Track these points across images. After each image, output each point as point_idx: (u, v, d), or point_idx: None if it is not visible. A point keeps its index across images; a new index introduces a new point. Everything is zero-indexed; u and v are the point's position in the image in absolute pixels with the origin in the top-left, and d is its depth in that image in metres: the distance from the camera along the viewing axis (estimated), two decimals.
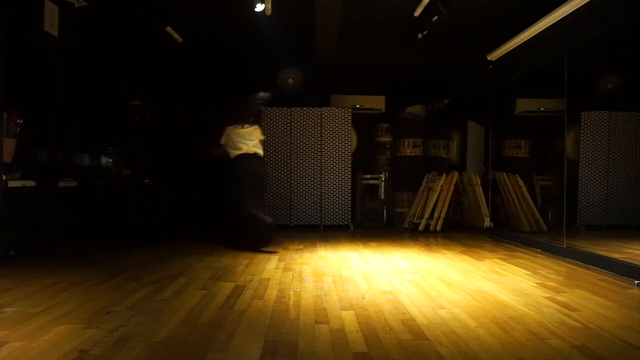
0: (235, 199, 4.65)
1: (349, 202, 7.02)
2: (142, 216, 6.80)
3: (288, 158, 6.99)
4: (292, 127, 6.94)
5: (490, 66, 6.34)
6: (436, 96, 8.03)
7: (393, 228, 7.28)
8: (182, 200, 7.57)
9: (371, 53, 7.16)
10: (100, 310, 2.60)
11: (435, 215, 6.75)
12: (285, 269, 3.89)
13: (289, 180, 6.97)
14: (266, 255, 4.50)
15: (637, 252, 4.74)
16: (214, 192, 7.41)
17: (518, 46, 5.56)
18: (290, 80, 7.54)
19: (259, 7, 5.19)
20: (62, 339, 2.13)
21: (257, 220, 4.69)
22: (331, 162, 7.01)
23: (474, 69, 6.76)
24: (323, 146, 7.01)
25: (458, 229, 6.96)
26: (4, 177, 3.99)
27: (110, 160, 6.89)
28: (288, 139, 6.99)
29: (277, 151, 6.98)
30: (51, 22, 4.76)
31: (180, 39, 6.40)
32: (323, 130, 7.02)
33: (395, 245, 5.37)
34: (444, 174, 6.97)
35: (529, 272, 3.79)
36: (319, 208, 6.95)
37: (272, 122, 6.98)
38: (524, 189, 6.32)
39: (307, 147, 7.01)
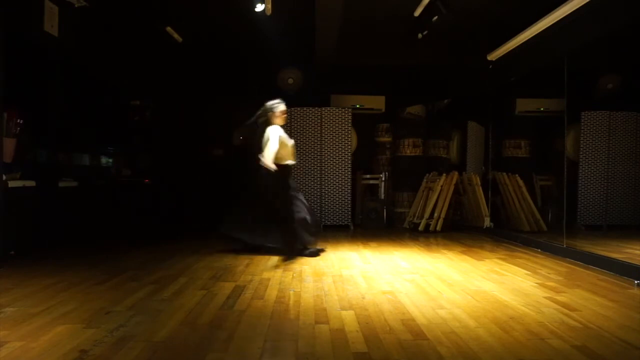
0: (285, 206, 4.57)
1: (349, 202, 7.02)
2: (142, 216, 6.79)
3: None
4: (292, 127, 6.93)
5: (490, 66, 6.34)
6: (436, 96, 8.03)
7: (393, 228, 7.28)
8: (182, 200, 7.57)
9: (371, 53, 7.15)
10: (100, 310, 2.60)
11: (435, 215, 6.75)
12: (285, 269, 3.89)
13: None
14: (266, 255, 4.50)
15: (637, 252, 4.74)
16: (213, 192, 7.42)
17: (518, 46, 5.56)
18: (290, 80, 7.54)
19: (259, 7, 5.19)
20: (62, 339, 2.13)
21: (304, 221, 4.61)
22: (331, 162, 7.01)
23: (474, 69, 6.76)
24: (323, 146, 7.01)
25: (458, 229, 6.96)
26: (4, 177, 3.99)
27: (110, 160, 6.89)
28: None
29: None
30: (51, 22, 4.76)
31: (180, 39, 6.40)
32: (323, 130, 7.02)
33: (395, 245, 5.37)
34: (444, 174, 6.97)
35: (529, 272, 3.79)
36: (319, 208, 6.94)
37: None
38: (524, 189, 6.32)
39: (307, 147, 7.01)
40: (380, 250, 4.98)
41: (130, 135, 7.39)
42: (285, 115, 4.72)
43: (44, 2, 4.64)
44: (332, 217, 7.00)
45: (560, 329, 2.34)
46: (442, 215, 6.74)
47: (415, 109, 7.87)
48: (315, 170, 7.00)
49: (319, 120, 7.02)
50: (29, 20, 4.50)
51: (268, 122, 4.60)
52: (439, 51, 6.89)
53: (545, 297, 2.96)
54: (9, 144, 4.19)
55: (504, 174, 6.54)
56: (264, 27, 5.76)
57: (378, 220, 7.26)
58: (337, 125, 7.04)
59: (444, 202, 6.78)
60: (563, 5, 4.51)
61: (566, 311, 2.65)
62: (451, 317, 2.53)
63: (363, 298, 2.94)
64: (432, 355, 2.00)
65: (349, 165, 7.03)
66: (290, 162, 4.68)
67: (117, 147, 7.04)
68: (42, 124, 4.91)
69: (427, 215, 6.79)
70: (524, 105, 6.93)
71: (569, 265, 4.13)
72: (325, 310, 2.65)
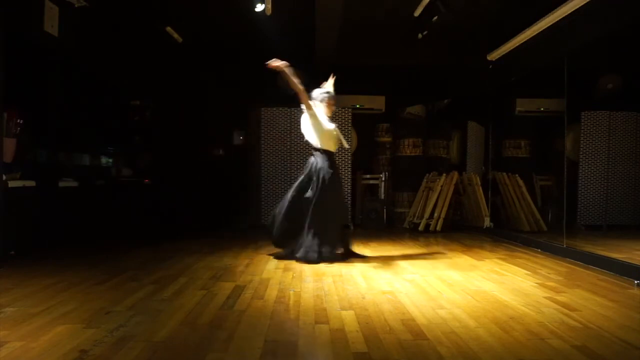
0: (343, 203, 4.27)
1: (349, 202, 7.02)
2: (142, 216, 6.79)
3: (288, 158, 6.99)
4: (292, 127, 6.93)
5: (490, 66, 6.34)
6: (436, 96, 8.03)
7: (393, 228, 7.28)
8: (182, 200, 7.56)
9: (371, 53, 7.15)
10: (100, 310, 2.60)
11: (435, 215, 6.75)
12: (285, 269, 3.89)
13: (288, 180, 6.96)
14: (266, 256, 4.50)
15: (637, 252, 4.74)
16: (213, 192, 7.42)
17: (518, 46, 5.56)
18: None
19: (259, 7, 5.19)
20: (62, 339, 2.13)
21: (279, 217, 4.45)
22: None
23: (474, 69, 6.76)
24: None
25: (458, 229, 6.96)
26: (4, 177, 3.99)
27: (110, 160, 6.89)
28: (288, 139, 6.99)
29: (276, 151, 6.98)
30: (51, 22, 4.76)
31: (180, 39, 6.40)
32: None
33: (395, 245, 5.37)
34: (444, 174, 6.97)
35: (529, 272, 3.79)
36: None
37: (272, 122, 6.99)
38: (524, 189, 6.32)
39: (307, 147, 6.98)
40: (380, 250, 4.98)
41: (130, 135, 7.39)
42: (334, 104, 4.87)
43: (44, 2, 4.64)
44: None
45: (560, 329, 2.34)
46: (442, 215, 6.75)
47: (415, 109, 7.87)
48: None
49: None
50: (29, 20, 4.50)
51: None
52: (439, 51, 6.89)
53: (545, 297, 2.96)
54: (9, 144, 4.19)
55: (504, 174, 6.54)
56: (264, 27, 5.76)
57: (378, 220, 7.26)
58: (337, 125, 7.00)
59: (444, 202, 6.78)
60: (563, 5, 4.51)
61: (566, 311, 2.65)
62: (451, 317, 2.53)
63: (363, 298, 2.94)
64: (432, 355, 2.00)
65: (349, 165, 7.03)
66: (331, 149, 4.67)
67: (117, 147, 7.04)
68: (42, 124, 4.91)
69: (427, 215, 6.79)
70: (524, 105, 6.93)
71: (569, 265, 4.13)
72: (325, 310, 2.65)
